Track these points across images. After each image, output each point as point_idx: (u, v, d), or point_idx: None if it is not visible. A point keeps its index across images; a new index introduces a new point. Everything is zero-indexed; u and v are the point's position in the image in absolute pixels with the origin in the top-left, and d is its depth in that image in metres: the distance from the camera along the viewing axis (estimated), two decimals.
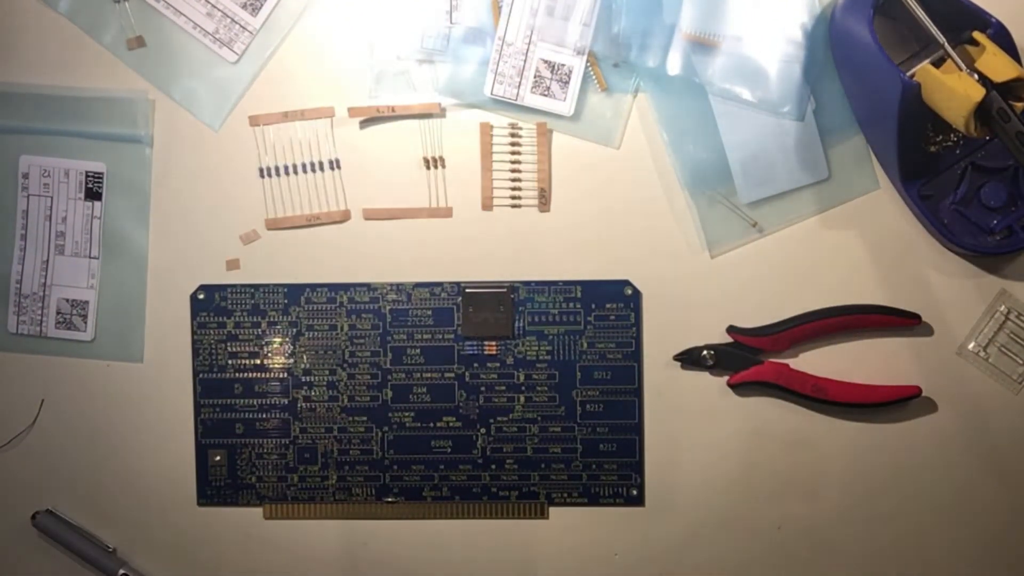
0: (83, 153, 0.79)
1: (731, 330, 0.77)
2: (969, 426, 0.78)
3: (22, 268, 0.79)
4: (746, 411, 0.78)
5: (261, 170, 0.79)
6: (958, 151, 0.76)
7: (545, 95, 0.77)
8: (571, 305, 0.78)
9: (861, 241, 0.77)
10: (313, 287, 0.79)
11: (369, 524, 0.79)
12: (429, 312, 0.79)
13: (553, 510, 0.79)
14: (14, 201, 0.80)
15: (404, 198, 0.79)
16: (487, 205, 0.79)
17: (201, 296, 0.79)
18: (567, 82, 0.77)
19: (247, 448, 0.80)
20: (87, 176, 0.79)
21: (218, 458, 0.80)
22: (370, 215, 0.79)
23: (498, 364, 0.78)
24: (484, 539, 0.79)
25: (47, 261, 0.79)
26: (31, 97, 0.79)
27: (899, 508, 0.78)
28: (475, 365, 0.79)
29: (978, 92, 0.69)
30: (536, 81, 0.77)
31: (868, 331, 0.77)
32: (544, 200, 0.78)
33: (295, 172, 0.79)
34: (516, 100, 0.78)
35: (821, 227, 0.78)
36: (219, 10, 0.79)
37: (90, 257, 0.79)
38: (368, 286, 0.79)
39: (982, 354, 0.78)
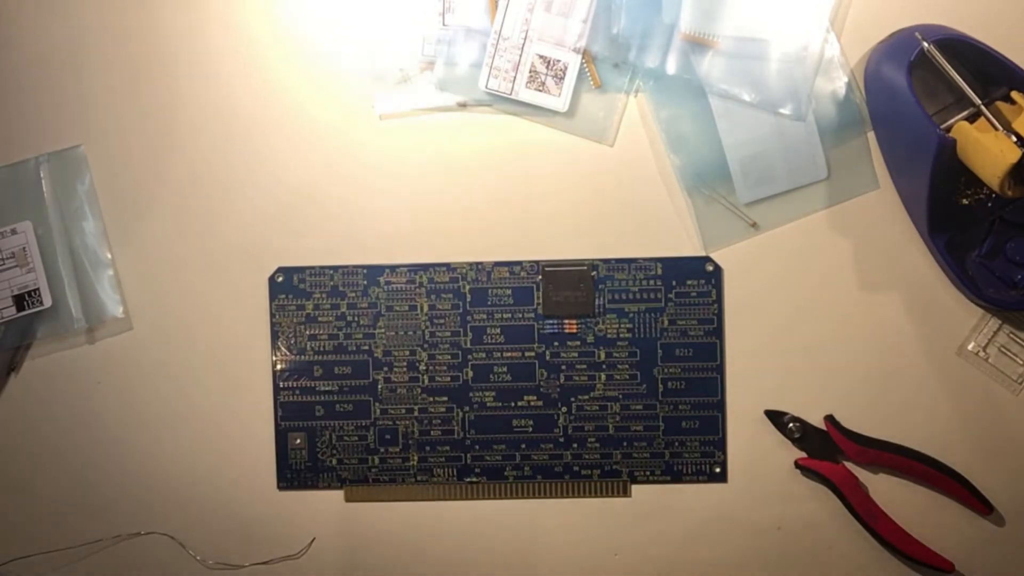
0: None
1: (828, 419, 0.77)
2: (969, 426, 0.77)
3: None
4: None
5: None
6: (989, 204, 0.75)
7: (540, 90, 0.77)
8: (652, 283, 0.78)
9: (860, 240, 0.77)
10: (392, 268, 0.79)
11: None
12: (509, 291, 0.79)
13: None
14: None
15: None
16: None
17: (280, 279, 0.79)
18: (562, 78, 0.77)
19: (327, 431, 0.79)
20: None
21: (298, 441, 0.79)
22: None
23: (578, 343, 0.78)
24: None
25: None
26: None
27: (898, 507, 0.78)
28: (555, 344, 0.79)
29: (1014, 153, 0.69)
30: (531, 76, 0.77)
31: (945, 493, 0.78)
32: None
33: None
34: (511, 95, 0.77)
35: (820, 226, 0.78)
36: None
37: None
38: (448, 266, 0.79)
39: (982, 354, 0.77)
